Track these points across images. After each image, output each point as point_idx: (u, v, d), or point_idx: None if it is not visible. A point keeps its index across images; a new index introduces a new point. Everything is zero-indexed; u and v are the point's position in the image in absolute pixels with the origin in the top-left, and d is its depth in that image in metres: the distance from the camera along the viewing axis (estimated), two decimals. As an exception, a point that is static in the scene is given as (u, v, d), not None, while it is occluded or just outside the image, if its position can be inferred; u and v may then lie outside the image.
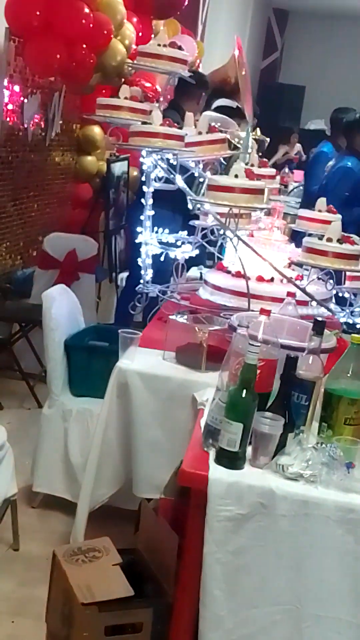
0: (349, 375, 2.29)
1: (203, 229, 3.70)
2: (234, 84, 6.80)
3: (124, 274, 6.28)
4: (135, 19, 5.65)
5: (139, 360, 3.00)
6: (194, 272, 4.27)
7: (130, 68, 5.16)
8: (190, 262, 4.01)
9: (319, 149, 6.52)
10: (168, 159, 3.62)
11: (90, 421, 3.48)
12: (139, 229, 3.83)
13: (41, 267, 5.17)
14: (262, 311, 2.44)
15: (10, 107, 4.91)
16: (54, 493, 3.57)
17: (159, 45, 3.85)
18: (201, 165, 3.87)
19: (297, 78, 12.82)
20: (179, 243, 3.82)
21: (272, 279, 3.30)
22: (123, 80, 5.41)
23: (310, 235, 3.36)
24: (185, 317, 3.21)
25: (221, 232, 3.55)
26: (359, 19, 12.09)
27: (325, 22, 12.77)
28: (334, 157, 6.13)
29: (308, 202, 3.87)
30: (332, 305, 3.40)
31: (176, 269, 3.71)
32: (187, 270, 4.05)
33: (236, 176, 3.22)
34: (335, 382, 2.31)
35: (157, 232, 3.85)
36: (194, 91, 5.21)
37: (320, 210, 3.64)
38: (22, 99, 5.02)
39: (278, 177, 4.31)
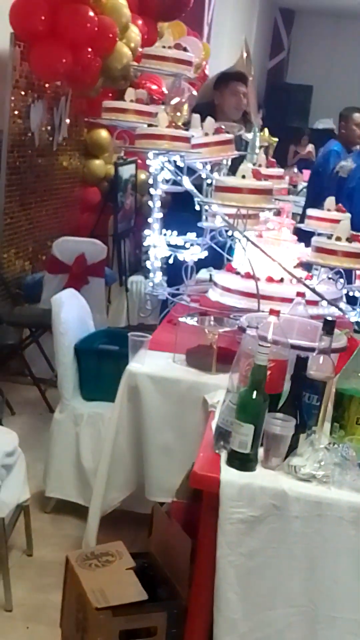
0: (359, 374, 2.28)
1: (212, 230, 3.69)
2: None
3: (134, 277, 6.29)
4: (140, 22, 5.65)
5: (149, 363, 3.00)
6: (203, 274, 4.26)
7: (135, 71, 5.16)
8: (200, 264, 4.00)
9: (329, 148, 6.50)
10: (175, 161, 3.62)
11: (101, 425, 3.47)
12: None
13: (50, 272, 5.17)
14: (272, 312, 2.43)
15: (16, 112, 4.91)
16: (66, 498, 3.56)
17: (164, 47, 3.85)
18: (209, 167, 3.86)
19: (304, 77, 12.82)
20: (187, 245, 3.81)
21: (281, 280, 3.28)
22: (129, 83, 5.42)
23: (319, 234, 3.34)
24: (195, 319, 3.20)
25: (230, 233, 3.54)
26: (365, 18, 12.07)
27: (332, 21, 12.75)
28: (342, 155, 6.11)
29: (315, 199, 3.85)
30: (343, 305, 3.39)
31: (185, 271, 3.70)
32: (197, 272, 4.04)
33: (243, 177, 3.21)
34: (346, 381, 2.29)
35: (165, 234, 3.84)
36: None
37: (329, 210, 3.62)
38: (28, 104, 5.02)
39: (287, 177, 4.30)
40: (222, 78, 5.24)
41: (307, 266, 3.46)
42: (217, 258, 3.79)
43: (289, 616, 2.13)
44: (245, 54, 7.08)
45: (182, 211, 3.97)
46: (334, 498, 2.08)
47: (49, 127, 5.40)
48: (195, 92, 5.17)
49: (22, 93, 4.95)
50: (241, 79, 5.17)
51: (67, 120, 5.60)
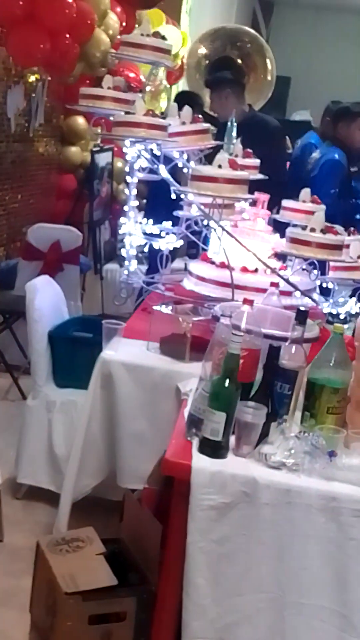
0: (331, 364, 2.30)
1: (187, 219, 3.69)
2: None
3: (109, 265, 6.28)
4: (119, 9, 5.63)
5: (122, 351, 3.01)
6: (178, 263, 4.26)
7: (113, 58, 5.14)
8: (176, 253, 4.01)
9: (307, 140, 6.49)
10: (152, 149, 3.61)
11: (74, 412, 3.47)
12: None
13: (25, 259, 5.15)
14: (245, 301, 2.44)
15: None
16: (38, 484, 3.56)
17: (142, 35, 3.83)
18: (185, 156, 3.86)
19: (282, 69, 12.79)
20: (163, 234, 3.81)
21: (256, 270, 3.30)
22: (107, 70, 5.40)
23: (294, 225, 3.36)
24: (170, 307, 3.21)
25: (205, 222, 3.54)
26: (343, 10, 12.10)
27: (310, 13, 12.78)
28: (319, 147, 6.12)
29: (293, 189, 3.86)
30: (316, 296, 3.41)
31: (160, 259, 3.71)
32: (172, 261, 4.04)
33: (220, 166, 3.22)
34: (317, 371, 2.32)
35: (140, 222, 3.83)
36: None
37: (304, 201, 3.64)
38: (5, 89, 4.99)
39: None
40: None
41: (282, 257, 3.48)
42: (193, 247, 3.79)
43: (257, 602, 2.15)
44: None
45: (162, 199, 3.97)
46: (304, 486, 2.11)
47: (25, 113, 5.37)
48: (167, 84, 5.16)
49: (-1, 78, 4.93)
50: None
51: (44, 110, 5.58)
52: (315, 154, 5.54)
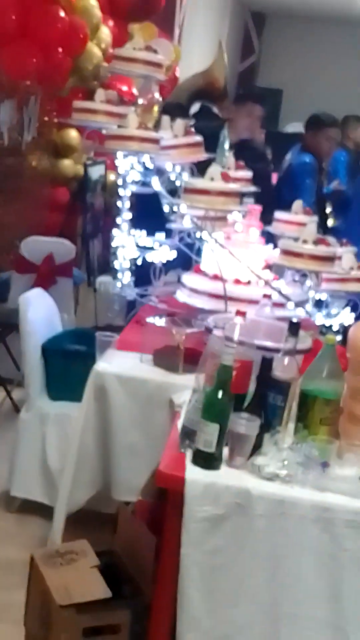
0: (323, 375, 2.31)
1: (180, 231, 3.71)
2: (223, 90, 6.79)
3: (102, 278, 6.28)
4: (111, 23, 5.66)
5: (116, 363, 3.01)
6: (171, 275, 4.27)
7: (106, 71, 5.17)
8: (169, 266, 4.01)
9: (302, 159, 6.35)
10: (144, 162, 3.63)
11: (68, 425, 3.46)
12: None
13: (18, 271, 5.15)
14: (238, 313, 2.45)
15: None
16: (32, 497, 3.56)
17: (134, 49, 3.85)
18: (178, 168, 3.87)
19: (274, 81, 12.87)
20: (156, 246, 3.83)
21: (249, 282, 3.31)
22: (99, 83, 5.42)
23: (287, 237, 3.37)
24: (163, 319, 3.21)
25: (198, 234, 3.56)
26: (336, 22, 12.14)
27: (303, 25, 12.81)
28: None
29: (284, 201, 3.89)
30: (309, 307, 3.42)
31: (154, 272, 3.72)
32: (165, 273, 4.05)
33: (212, 179, 3.24)
34: (310, 382, 2.33)
35: (133, 235, 3.85)
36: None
37: (296, 213, 3.66)
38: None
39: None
40: (241, 97, 5.27)
41: (279, 270, 3.48)
42: (186, 259, 3.80)
43: (251, 613, 2.16)
44: (225, 57, 7.09)
45: (150, 211, 3.98)
46: (297, 497, 2.11)
47: (17, 127, 5.38)
48: (159, 97, 5.17)
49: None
50: (259, 101, 5.21)
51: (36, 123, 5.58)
52: (288, 156, 5.58)
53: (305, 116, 6.87)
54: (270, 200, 4.24)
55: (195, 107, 6.09)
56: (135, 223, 3.85)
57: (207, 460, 2.17)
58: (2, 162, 5.27)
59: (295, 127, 11.87)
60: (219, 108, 6.32)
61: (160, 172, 3.73)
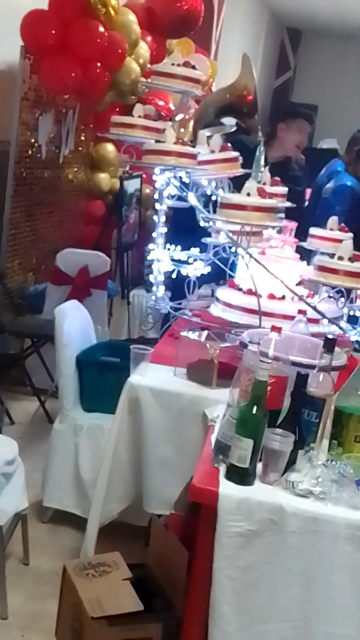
0: (359, 393, 2.30)
1: (215, 246, 3.72)
2: (253, 103, 6.79)
3: (136, 291, 6.32)
4: (149, 38, 5.70)
5: (150, 376, 3.02)
6: (205, 289, 4.28)
7: (144, 87, 5.21)
8: (203, 280, 4.03)
9: (333, 167, 6.39)
10: (181, 177, 3.66)
11: (101, 437, 3.49)
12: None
13: (53, 283, 5.19)
14: (273, 328, 2.46)
15: (24, 124, 4.95)
16: (64, 508, 3.58)
17: (173, 64, 3.89)
18: (214, 184, 3.90)
19: (309, 97, 12.87)
20: (190, 260, 3.84)
21: (283, 297, 3.31)
22: (137, 98, 5.47)
23: (322, 253, 3.37)
24: (197, 333, 3.23)
25: (233, 249, 3.57)
26: (371, 40, 12.15)
27: (338, 41, 12.83)
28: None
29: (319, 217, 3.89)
30: (343, 324, 3.41)
31: (188, 285, 3.73)
32: (199, 287, 4.07)
33: (248, 194, 3.25)
34: (345, 399, 2.32)
35: (169, 249, 3.87)
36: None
37: (332, 229, 3.65)
38: (36, 116, 5.07)
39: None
40: (293, 113, 5.27)
41: (313, 286, 3.49)
42: (220, 274, 3.82)
43: (283, 630, 2.15)
44: (251, 69, 7.09)
45: (186, 226, 4.00)
46: (331, 514, 2.10)
47: (56, 140, 5.44)
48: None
49: (31, 106, 5.00)
50: (309, 118, 5.22)
51: (74, 137, 5.65)
52: (330, 184, 5.56)
53: (340, 132, 6.88)
54: (302, 218, 4.24)
55: (230, 121, 6.10)
56: (172, 238, 3.88)
57: (241, 476, 2.17)
58: (39, 175, 5.33)
59: (329, 143, 11.88)
60: (247, 125, 6.33)
61: (196, 186, 3.75)
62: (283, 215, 3.75)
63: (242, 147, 4.07)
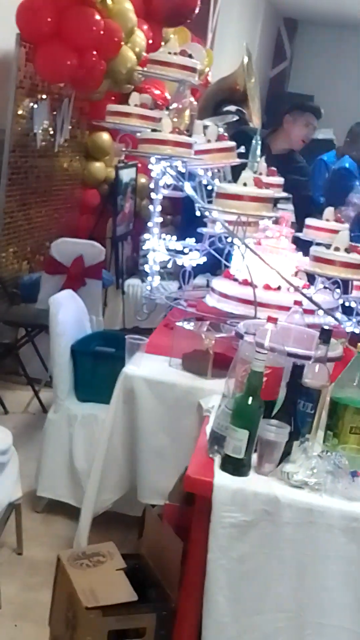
0: (354, 384, 2.30)
1: (211, 236, 3.71)
2: (242, 92, 6.83)
3: (131, 281, 6.30)
4: (145, 27, 5.68)
5: (145, 367, 3.02)
6: (200, 279, 4.27)
7: (140, 75, 5.18)
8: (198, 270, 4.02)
9: (341, 164, 6.37)
10: (176, 167, 3.64)
11: (95, 426, 3.48)
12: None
13: (48, 272, 5.17)
14: (269, 319, 2.45)
15: (19, 112, 4.92)
16: (58, 498, 3.57)
17: (169, 53, 3.87)
18: (210, 173, 3.88)
19: (305, 87, 12.84)
20: (186, 250, 3.83)
21: (279, 287, 3.30)
22: (133, 87, 5.44)
23: (318, 244, 3.36)
24: (192, 324, 3.22)
25: (229, 239, 3.56)
26: (368, 29, 12.11)
27: (335, 31, 12.78)
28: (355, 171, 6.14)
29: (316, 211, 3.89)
30: (339, 315, 3.41)
31: (183, 276, 3.72)
32: (194, 277, 4.06)
33: (245, 184, 3.24)
34: (341, 390, 2.32)
35: (164, 239, 3.86)
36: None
37: (328, 220, 3.64)
38: (31, 104, 5.04)
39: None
40: (301, 107, 5.23)
41: (309, 276, 3.48)
42: (216, 264, 3.81)
43: (277, 621, 2.15)
44: (246, 60, 7.09)
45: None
46: (326, 505, 2.10)
47: (51, 129, 5.42)
48: (194, 101, 5.17)
49: (26, 94, 4.97)
50: (316, 112, 5.21)
51: (69, 126, 5.62)
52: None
53: (336, 123, 6.88)
54: (306, 209, 4.25)
55: (227, 109, 6.10)
56: (183, 226, 3.87)
57: (235, 466, 2.17)
58: (34, 164, 5.31)
59: (325, 133, 11.85)
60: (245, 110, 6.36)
61: (192, 176, 3.74)
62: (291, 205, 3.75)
63: (246, 137, 4.06)
